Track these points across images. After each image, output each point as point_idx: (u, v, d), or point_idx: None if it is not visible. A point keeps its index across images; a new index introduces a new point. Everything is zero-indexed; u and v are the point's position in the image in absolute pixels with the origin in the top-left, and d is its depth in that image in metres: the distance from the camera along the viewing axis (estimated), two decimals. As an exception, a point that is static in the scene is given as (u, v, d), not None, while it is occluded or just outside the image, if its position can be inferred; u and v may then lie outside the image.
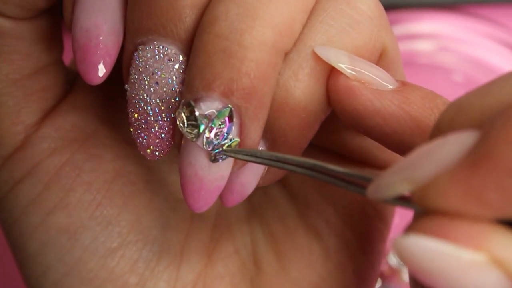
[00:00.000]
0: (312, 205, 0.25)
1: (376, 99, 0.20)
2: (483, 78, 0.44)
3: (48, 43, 0.23)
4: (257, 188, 0.22)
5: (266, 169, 0.22)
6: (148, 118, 0.20)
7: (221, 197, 0.21)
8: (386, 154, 0.25)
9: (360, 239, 0.25)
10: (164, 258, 0.24)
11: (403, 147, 0.20)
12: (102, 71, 0.20)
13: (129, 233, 0.23)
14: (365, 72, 0.20)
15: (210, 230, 0.25)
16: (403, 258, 0.15)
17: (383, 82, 0.20)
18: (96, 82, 0.20)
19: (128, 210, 0.23)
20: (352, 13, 0.20)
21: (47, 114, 0.23)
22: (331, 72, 0.20)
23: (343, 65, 0.20)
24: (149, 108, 0.20)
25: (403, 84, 0.20)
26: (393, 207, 0.26)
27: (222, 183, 0.20)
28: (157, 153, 0.21)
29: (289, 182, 0.26)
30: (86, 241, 0.23)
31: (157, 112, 0.20)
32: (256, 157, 0.20)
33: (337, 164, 0.25)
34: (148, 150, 0.21)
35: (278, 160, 0.19)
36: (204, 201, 0.20)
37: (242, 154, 0.20)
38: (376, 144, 0.24)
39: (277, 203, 0.26)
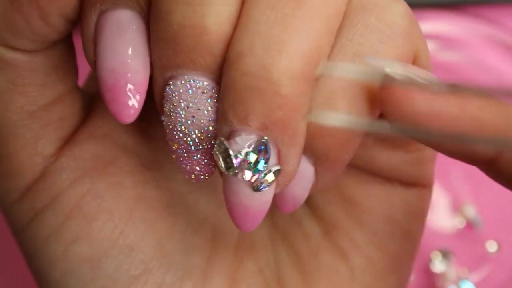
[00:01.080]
0: (337, 225, 0.25)
1: (435, 102, 0.19)
2: (483, 78, 0.44)
3: (63, 72, 0.22)
4: None
5: (315, 180, 0.21)
6: (189, 148, 0.20)
7: (276, 206, 0.21)
8: (414, 169, 0.25)
9: (387, 259, 0.25)
10: (187, 282, 0.23)
11: (463, 148, 0.20)
12: (134, 108, 0.20)
13: (152, 259, 0.23)
14: (417, 78, 0.19)
15: (233, 250, 0.25)
16: None
17: (435, 86, 0.20)
18: (130, 121, 0.20)
19: (151, 236, 0.23)
20: (382, 27, 0.20)
21: (66, 143, 0.23)
22: (382, 87, 0.19)
23: (396, 72, 0.19)
24: (188, 139, 0.20)
25: (453, 86, 0.20)
26: (422, 226, 0.26)
27: (267, 206, 0.20)
28: (202, 176, 0.21)
29: (313, 202, 0.26)
30: (109, 269, 0.22)
31: (197, 142, 0.20)
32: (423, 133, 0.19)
33: (364, 182, 0.25)
34: (193, 176, 0.21)
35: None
36: (252, 223, 0.20)
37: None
38: (403, 159, 0.24)
39: (301, 222, 0.26)
